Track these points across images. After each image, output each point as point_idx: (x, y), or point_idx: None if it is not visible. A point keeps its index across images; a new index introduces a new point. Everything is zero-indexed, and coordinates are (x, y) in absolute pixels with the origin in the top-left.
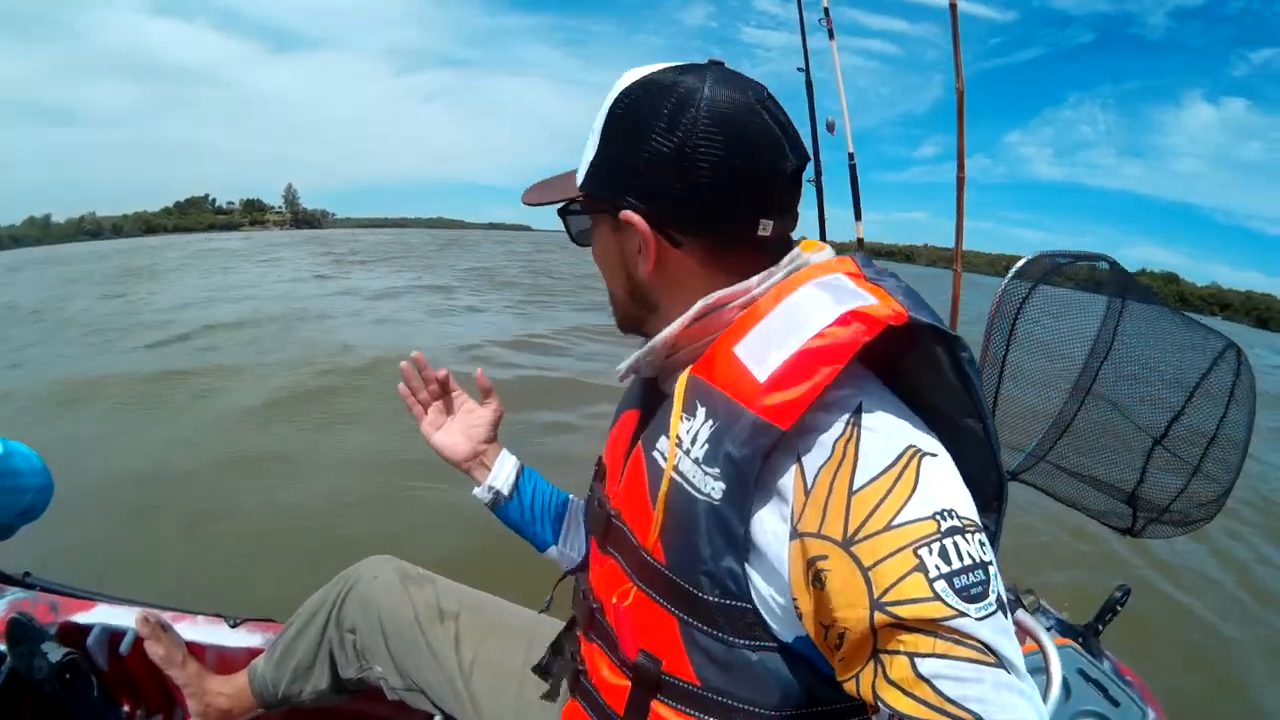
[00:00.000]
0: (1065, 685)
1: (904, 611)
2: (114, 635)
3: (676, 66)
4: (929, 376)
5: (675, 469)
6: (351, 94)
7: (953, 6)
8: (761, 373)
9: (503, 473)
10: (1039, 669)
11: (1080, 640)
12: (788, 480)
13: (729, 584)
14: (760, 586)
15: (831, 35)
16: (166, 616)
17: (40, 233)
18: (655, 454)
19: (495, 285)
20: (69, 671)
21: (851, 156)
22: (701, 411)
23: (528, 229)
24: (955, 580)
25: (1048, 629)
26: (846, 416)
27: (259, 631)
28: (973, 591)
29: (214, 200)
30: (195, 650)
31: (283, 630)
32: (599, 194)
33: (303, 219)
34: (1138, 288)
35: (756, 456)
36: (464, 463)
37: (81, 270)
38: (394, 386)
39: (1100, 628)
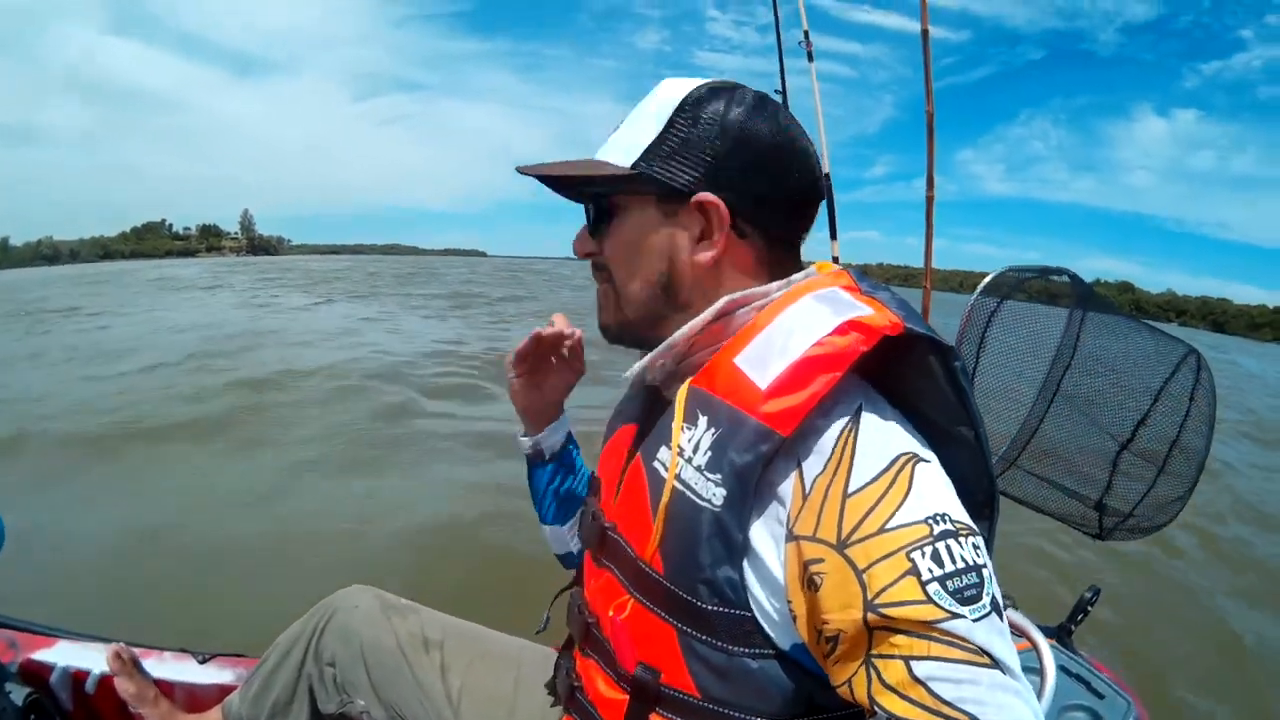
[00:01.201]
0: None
1: (897, 613)
2: (77, 673)
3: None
4: (923, 386)
5: (677, 477)
6: (309, 119)
7: (924, 33)
8: (763, 380)
9: (550, 440)
10: (1030, 667)
11: (1055, 639)
12: (787, 485)
13: (727, 592)
14: (758, 592)
15: (811, 58)
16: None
17: None
18: (656, 464)
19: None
20: (34, 712)
21: (827, 176)
22: (703, 420)
23: (484, 255)
24: (948, 583)
25: None
26: (844, 423)
27: (229, 667)
28: (966, 594)
29: (171, 225)
30: (163, 688)
31: (258, 664)
32: (660, 175)
33: (258, 245)
34: (1098, 299)
35: (758, 462)
36: (528, 413)
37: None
38: (358, 409)
39: (1073, 627)
